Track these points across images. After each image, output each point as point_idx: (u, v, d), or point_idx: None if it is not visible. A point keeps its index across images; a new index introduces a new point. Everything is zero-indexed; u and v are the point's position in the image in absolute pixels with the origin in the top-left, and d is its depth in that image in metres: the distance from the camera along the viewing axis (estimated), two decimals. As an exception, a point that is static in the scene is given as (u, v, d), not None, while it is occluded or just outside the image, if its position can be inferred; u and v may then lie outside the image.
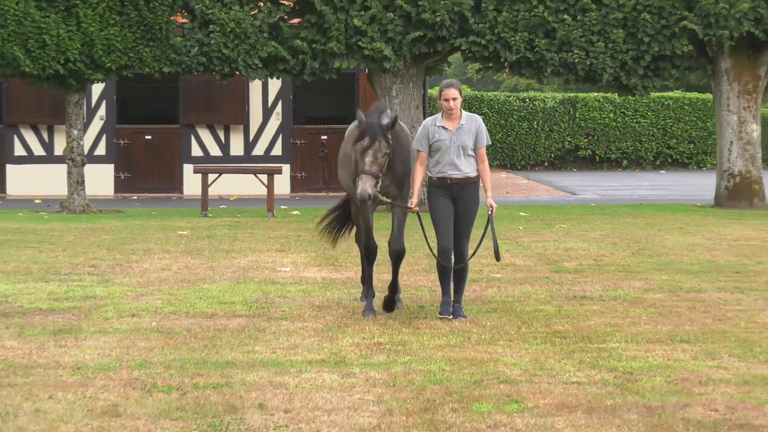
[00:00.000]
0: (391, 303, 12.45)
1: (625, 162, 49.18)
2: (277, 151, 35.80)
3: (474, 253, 12.31)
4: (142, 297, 14.82)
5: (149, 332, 12.17)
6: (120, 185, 35.73)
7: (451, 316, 11.93)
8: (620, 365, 10.27)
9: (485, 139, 11.98)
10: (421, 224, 12.17)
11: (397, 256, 12.38)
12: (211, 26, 26.29)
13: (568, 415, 8.52)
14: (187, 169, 34.12)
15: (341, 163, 13.03)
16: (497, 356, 10.73)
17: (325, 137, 35.68)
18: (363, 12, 26.70)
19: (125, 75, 28.75)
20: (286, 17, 27.69)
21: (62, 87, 27.43)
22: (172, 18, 27.03)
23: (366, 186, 11.19)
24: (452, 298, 12.15)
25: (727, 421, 8.34)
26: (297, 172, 35.87)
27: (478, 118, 12.22)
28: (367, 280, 12.77)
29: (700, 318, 13.09)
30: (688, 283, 15.93)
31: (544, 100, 48.70)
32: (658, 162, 49.25)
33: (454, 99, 11.76)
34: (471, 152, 11.88)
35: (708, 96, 38.12)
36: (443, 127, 11.85)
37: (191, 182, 32.98)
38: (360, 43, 26.83)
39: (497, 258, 12.53)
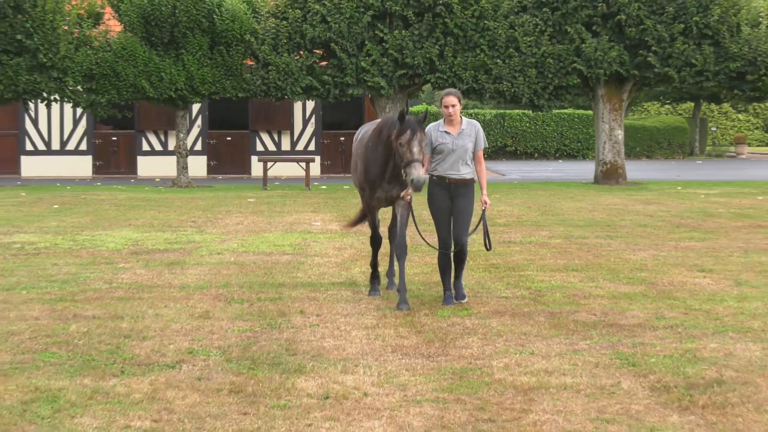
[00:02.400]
0: (377, 290, 12.54)
1: (536, 154, 64.60)
2: (311, 147, 45.56)
3: (469, 234, 11.88)
4: (225, 242, 18.46)
5: (229, 264, 15.43)
6: (210, 170, 44.43)
7: (453, 304, 11.65)
8: (533, 285, 13.21)
9: (483, 142, 11.78)
10: (413, 218, 11.97)
11: (402, 254, 12.01)
12: (269, 66, 33.33)
13: (500, 318, 11.00)
14: (254, 159, 42.97)
15: (355, 167, 12.61)
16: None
17: (342, 138, 44.66)
18: (367, 57, 35.15)
19: (214, 98, 37.89)
20: (317, 61, 36.01)
21: (173, 106, 36.44)
22: (244, 61, 35.44)
23: (420, 172, 10.86)
24: (452, 286, 11.89)
25: (602, 321, 10.79)
26: (324, 161, 45.42)
27: (477, 124, 11.91)
28: (372, 266, 12.75)
29: (585, 255, 16.46)
30: (576, 233, 19.84)
31: (484, 114, 63.76)
32: (557, 154, 64.66)
33: (453, 106, 11.56)
34: (470, 155, 11.65)
35: (589, 112, 45.02)
36: (446, 132, 11.58)
37: (256, 168, 41.50)
38: (365, 78, 35.38)
39: (487, 248, 12.25)
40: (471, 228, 11.88)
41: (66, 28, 34.83)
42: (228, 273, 14.46)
